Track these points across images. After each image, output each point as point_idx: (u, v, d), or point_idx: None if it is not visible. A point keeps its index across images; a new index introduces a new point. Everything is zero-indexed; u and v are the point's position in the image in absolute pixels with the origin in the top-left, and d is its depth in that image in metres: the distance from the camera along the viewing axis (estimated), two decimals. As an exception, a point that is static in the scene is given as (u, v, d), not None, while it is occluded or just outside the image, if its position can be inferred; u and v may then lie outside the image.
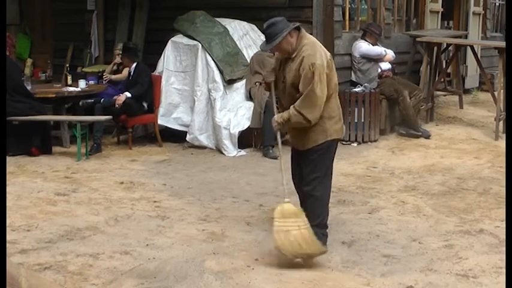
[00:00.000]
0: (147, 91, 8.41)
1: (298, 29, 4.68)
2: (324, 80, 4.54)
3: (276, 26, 4.62)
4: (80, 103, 8.65)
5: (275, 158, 7.84)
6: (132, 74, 8.56)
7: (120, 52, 8.94)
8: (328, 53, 4.73)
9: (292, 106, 4.62)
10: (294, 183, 4.98)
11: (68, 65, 10.28)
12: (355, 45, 9.15)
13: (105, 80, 9.25)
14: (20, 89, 7.75)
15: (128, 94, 8.25)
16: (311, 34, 8.78)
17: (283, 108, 4.84)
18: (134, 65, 8.56)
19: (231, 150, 8.04)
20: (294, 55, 4.64)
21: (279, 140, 4.89)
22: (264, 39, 4.77)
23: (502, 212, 5.58)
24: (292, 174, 4.99)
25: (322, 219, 4.76)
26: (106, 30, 10.76)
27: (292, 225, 4.45)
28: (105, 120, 7.94)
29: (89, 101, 8.57)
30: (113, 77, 9.22)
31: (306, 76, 4.53)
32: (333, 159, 4.87)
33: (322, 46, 4.78)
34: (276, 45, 4.62)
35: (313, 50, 4.60)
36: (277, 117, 4.73)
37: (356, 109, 8.55)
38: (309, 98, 4.53)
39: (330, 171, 4.85)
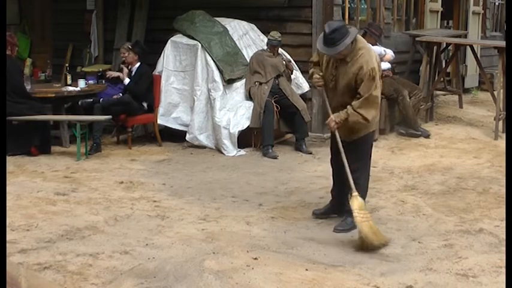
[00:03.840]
0: (146, 92, 8.40)
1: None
2: (379, 83, 5.01)
3: (339, 32, 4.88)
4: (79, 102, 8.65)
5: (274, 157, 7.85)
6: (133, 74, 8.53)
7: (127, 48, 8.75)
8: (377, 56, 5.16)
9: (349, 106, 5.01)
10: (333, 167, 5.45)
11: (67, 65, 10.28)
12: (354, 45, 9.13)
13: (107, 76, 9.10)
14: (19, 90, 7.74)
15: (127, 81, 8.37)
16: (310, 34, 8.85)
17: (332, 105, 5.22)
18: (137, 65, 8.53)
19: (230, 149, 8.04)
20: (350, 58, 4.98)
21: (339, 141, 5.17)
22: (323, 42, 4.96)
23: (501, 212, 5.58)
24: (333, 159, 5.43)
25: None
26: (105, 30, 10.75)
27: (366, 217, 4.88)
28: (104, 120, 7.94)
29: (88, 100, 8.57)
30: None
31: (368, 81, 4.91)
32: (372, 147, 5.44)
33: (373, 49, 5.25)
34: (344, 48, 4.89)
35: (369, 55, 4.99)
36: (335, 117, 5.11)
37: (356, 109, 8.54)
38: (368, 100, 4.96)
39: (370, 158, 5.43)
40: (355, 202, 4.94)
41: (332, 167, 5.56)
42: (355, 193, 5.00)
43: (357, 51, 4.97)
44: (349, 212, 5.21)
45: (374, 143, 8.36)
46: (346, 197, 5.28)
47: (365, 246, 4.77)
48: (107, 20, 10.74)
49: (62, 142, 8.18)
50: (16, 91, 7.64)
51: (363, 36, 9.05)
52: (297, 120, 8.17)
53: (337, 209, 5.50)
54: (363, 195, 5.24)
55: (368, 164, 5.39)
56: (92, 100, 8.51)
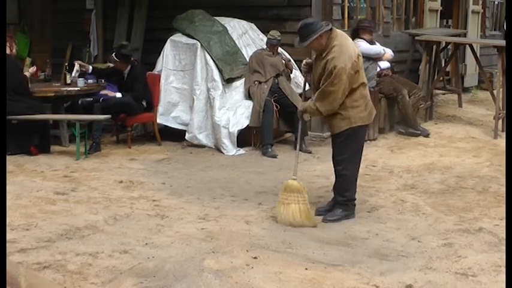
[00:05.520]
0: (143, 93, 8.39)
1: (331, 29, 5.27)
2: (342, 82, 5.12)
3: (308, 28, 5.24)
4: (79, 102, 8.65)
5: (274, 156, 7.85)
6: (126, 76, 8.49)
7: (113, 60, 8.73)
8: (355, 53, 5.25)
9: (311, 99, 5.39)
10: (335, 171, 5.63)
11: (67, 64, 10.28)
12: (354, 45, 9.10)
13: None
14: (19, 89, 7.73)
15: (119, 95, 8.31)
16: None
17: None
18: (128, 68, 8.48)
19: (230, 149, 8.04)
20: (324, 54, 5.24)
21: (299, 133, 5.78)
22: (298, 38, 5.35)
23: (501, 211, 5.58)
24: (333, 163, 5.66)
25: (350, 194, 5.50)
26: (105, 30, 10.76)
27: (292, 199, 5.23)
28: (104, 119, 7.93)
29: (88, 99, 8.57)
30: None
31: (327, 75, 5.15)
32: (362, 143, 5.55)
33: (352, 46, 5.32)
34: (306, 45, 5.28)
35: (339, 52, 5.14)
36: (300, 106, 5.67)
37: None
38: (323, 93, 5.21)
39: (359, 153, 5.51)
40: (284, 184, 5.36)
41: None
42: (294, 176, 5.38)
43: (331, 48, 5.20)
44: (338, 204, 5.49)
45: (373, 142, 8.55)
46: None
47: (282, 223, 5.24)
48: (107, 20, 10.75)
49: (61, 141, 8.18)
50: (17, 90, 7.63)
51: (358, 34, 8.95)
52: (297, 119, 8.15)
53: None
54: (350, 187, 5.48)
55: (356, 157, 5.48)
56: (92, 99, 8.50)
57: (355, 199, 5.57)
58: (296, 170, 5.48)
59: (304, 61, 5.73)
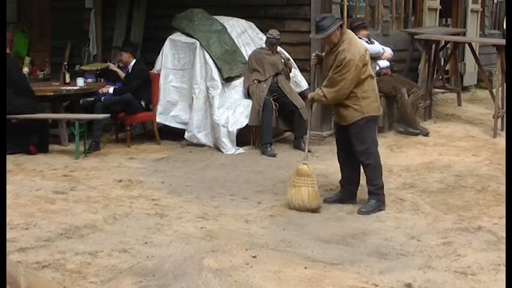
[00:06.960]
0: (142, 90, 8.40)
1: (341, 26, 5.56)
2: (350, 72, 5.40)
3: (327, 20, 5.53)
4: (81, 102, 8.65)
5: (273, 155, 7.85)
6: (130, 71, 8.57)
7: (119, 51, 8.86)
8: (363, 48, 5.61)
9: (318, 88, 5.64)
10: (339, 160, 5.96)
11: (66, 63, 10.27)
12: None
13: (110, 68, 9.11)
14: (19, 87, 7.71)
15: (111, 90, 8.40)
16: (309, 32, 8.90)
17: None
18: (133, 62, 8.56)
19: (229, 148, 8.04)
20: (335, 47, 5.51)
21: (308, 131, 6.05)
22: (315, 30, 5.63)
23: (500, 209, 5.59)
24: (338, 151, 5.95)
25: (380, 182, 5.70)
26: (104, 29, 10.75)
27: (303, 182, 5.58)
28: (103, 118, 7.93)
29: (90, 99, 8.57)
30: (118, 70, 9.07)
31: (337, 65, 5.43)
32: (376, 133, 5.83)
33: (359, 41, 5.76)
34: (326, 36, 5.49)
35: (348, 45, 5.46)
36: (308, 96, 5.87)
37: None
38: (332, 80, 5.48)
39: (376, 142, 5.75)
40: (295, 168, 5.69)
41: (338, 159, 5.97)
42: (304, 161, 5.72)
43: (342, 41, 5.50)
44: (371, 194, 5.64)
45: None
46: (355, 186, 5.87)
47: (292, 206, 5.62)
48: (106, 19, 10.73)
49: (60, 141, 8.18)
50: (17, 88, 7.62)
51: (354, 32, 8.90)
52: (296, 118, 8.17)
53: (345, 198, 5.90)
54: (379, 174, 5.68)
55: (374, 146, 5.70)
56: (93, 99, 8.51)
57: (383, 187, 5.76)
58: (306, 155, 5.95)
59: (314, 53, 5.96)
